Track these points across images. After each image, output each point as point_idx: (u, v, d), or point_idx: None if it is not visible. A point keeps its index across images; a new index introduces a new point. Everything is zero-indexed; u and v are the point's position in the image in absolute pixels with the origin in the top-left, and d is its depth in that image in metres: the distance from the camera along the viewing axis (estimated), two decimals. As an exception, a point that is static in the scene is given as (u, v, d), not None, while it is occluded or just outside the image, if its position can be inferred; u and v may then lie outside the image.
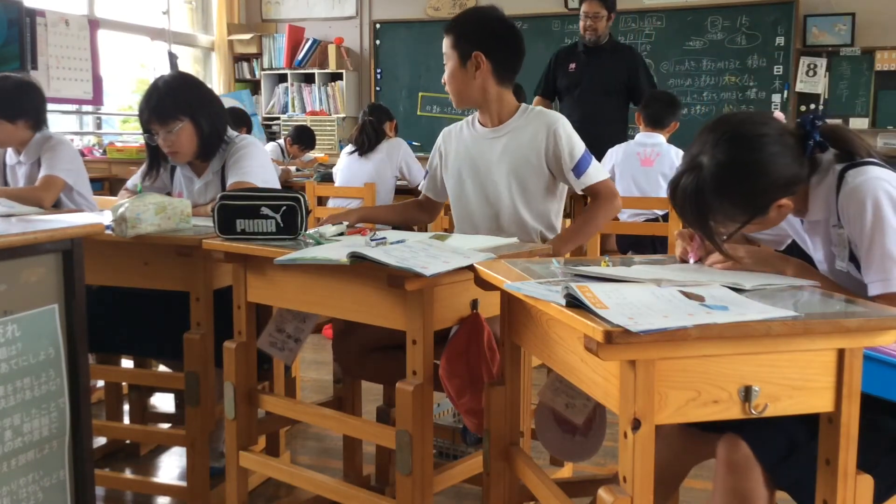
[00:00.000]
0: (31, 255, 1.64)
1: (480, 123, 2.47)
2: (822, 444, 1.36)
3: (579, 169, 2.33)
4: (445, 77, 2.39)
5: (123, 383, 3.05)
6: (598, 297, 1.27)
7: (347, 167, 4.69)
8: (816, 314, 1.30)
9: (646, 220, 4.21)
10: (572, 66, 4.95)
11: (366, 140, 4.61)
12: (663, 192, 4.14)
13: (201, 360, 2.32)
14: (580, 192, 2.38)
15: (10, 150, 3.18)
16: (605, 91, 4.90)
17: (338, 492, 2.06)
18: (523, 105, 2.44)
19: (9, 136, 3.07)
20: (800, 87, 6.78)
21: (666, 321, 1.18)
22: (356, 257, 1.76)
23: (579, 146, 2.36)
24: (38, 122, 3.12)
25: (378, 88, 8.00)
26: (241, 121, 5.11)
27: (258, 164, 2.68)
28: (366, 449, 2.58)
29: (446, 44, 2.37)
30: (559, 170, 2.35)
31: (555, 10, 7.39)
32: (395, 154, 4.65)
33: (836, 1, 6.61)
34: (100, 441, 2.86)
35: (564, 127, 2.36)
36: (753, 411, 1.28)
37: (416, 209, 2.69)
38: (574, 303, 1.27)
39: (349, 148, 4.75)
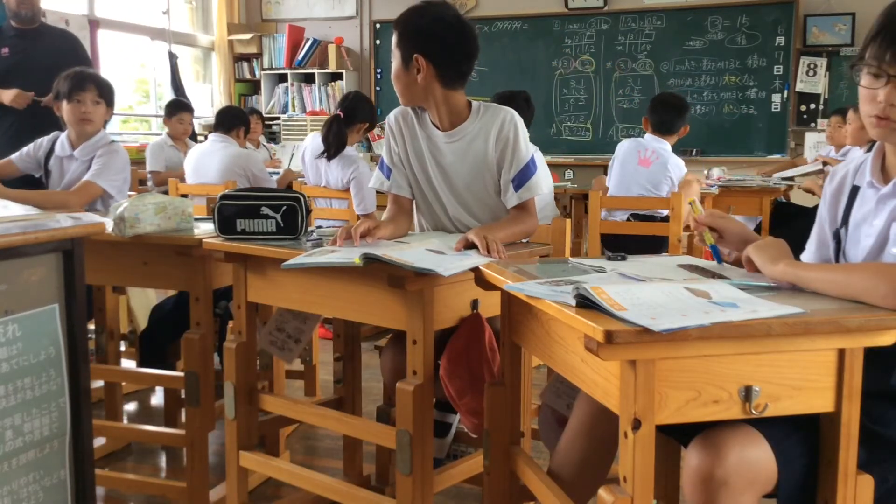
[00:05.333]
0: (32, 255, 1.64)
1: (432, 123, 2.28)
2: (822, 444, 1.36)
3: (520, 180, 2.21)
4: (391, 75, 2.26)
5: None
6: (613, 298, 1.27)
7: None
8: (823, 311, 1.30)
9: (635, 220, 4.22)
10: (5, 50, 4.37)
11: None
12: (647, 195, 4.15)
13: (201, 360, 2.32)
14: (508, 206, 2.23)
15: (63, 141, 3.18)
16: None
17: (338, 492, 2.07)
18: (475, 104, 2.26)
19: (101, 119, 3.18)
20: (800, 87, 6.78)
21: (685, 320, 1.19)
22: (369, 259, 1.76)
23: (525, 153, 2.23)
24: (112, 114, 3.29)
25: (378, 88, 8.00)
26: (239, 120, 4.94)
27: None
28: (366, 449, 2.58)
29: (393, 40, 2.22)
30: (500, 174, 2.24)
31: (555, 10, 7.39)
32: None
33: (836, 1, 6.61)
34: (100, 441, 2.86)
35: (515, 127, 2.22)
36: (754, 411, 1.28)
37: (407, 216, 2.38)
38: (585, 303, 1.27)
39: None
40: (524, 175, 2.21)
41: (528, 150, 2.25)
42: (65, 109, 3.10)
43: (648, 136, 4.25)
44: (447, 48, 2.18)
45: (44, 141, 3.22)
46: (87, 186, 3.04)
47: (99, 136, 3.16)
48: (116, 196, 3.12)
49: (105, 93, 3.16)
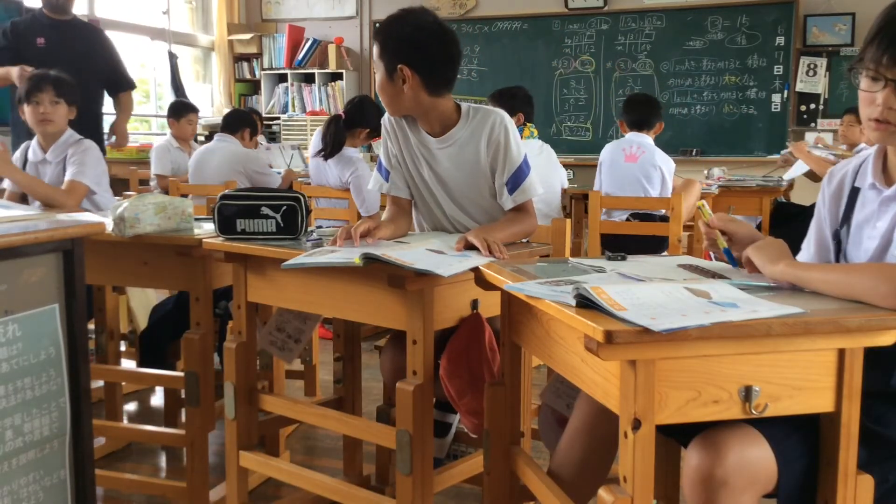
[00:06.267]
0: (32, 255, 1.64)
1: (423, 129, 2.27)
2: (822, 444, 1.36)
3: (513, 182, 2.20)
4: (376, 87, 2.23)
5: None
6: (613, 297, 1.27)
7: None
8: (823, 311, 1.30)
9: (632, 220, 4.24)
10: (40, 40, 4.16)
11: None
12: (641, 191, 4.19)
13: (201, 360, 2.32)
14: (506, 209, 2.23)
15: (34, 147, 3.20)
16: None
17: (338, 492, 2.07)
18: (464, 108, 2.23)
19: (62, 118, 3.18)
20: (800, 87, 6.78)
21: (685, 320, 1.19)
22: (369, 259, 1.76)
23: (517, 155, 2.21)
24: (77, 111, 3.29)
25: (378, 88, 8.00)
26: (244, 122, 4.94)
27: None
28: (366, 449, 2.58)
29: (374, 51, 2.21)
30: (494, 177, 2.24)
31: (555, 10, 7.39)
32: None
33: (836, 1, 6.61)
34: (100, 441, 2.86)
35: (505, 130, 2.19)
36: (754, 411, 1.28)
37: (406, 216, 2.37)
38: (585, 303, 1.27)
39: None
40: (518, 178, 2.20)
41: (521, 151, 2.23)
42: (25, 112, 3.13)
43: (629, 135, 4.30)
44: (431, 56, 2.15)
45: (17, 154, 3.25)
46: (75, 187, 3.08)
47: (66, 136, 3.18)
48: (98, 191, 3.16)
49: (64, 92, 3.17)
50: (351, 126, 4.18)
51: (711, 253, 1.74)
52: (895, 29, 1.41)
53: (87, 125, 4.06)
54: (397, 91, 2.16)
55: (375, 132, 4.28)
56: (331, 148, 4.15)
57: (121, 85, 4.60)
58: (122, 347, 3.31)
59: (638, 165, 4.19)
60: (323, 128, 4.21)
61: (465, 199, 2.27)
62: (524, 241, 2.24)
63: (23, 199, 3.15)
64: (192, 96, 7.03)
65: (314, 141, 4.36)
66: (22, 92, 3.13)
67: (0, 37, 4.19)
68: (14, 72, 3.96)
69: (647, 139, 4.25)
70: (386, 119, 2.31)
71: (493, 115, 2.22)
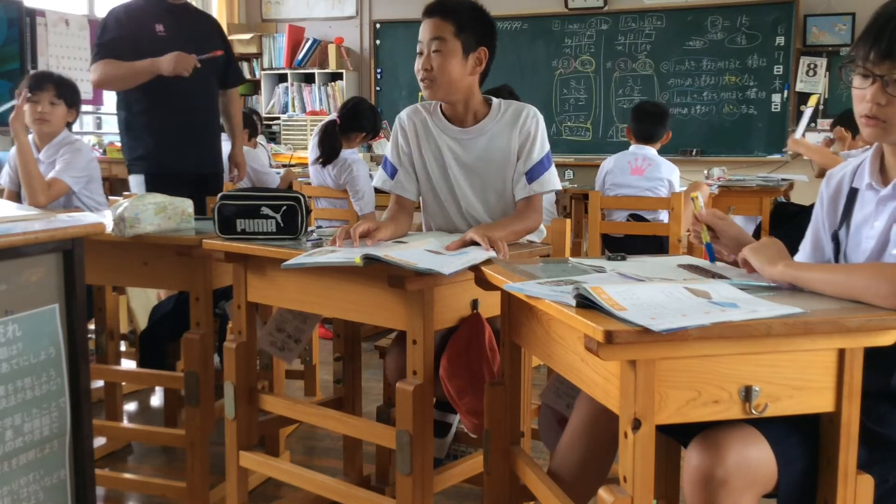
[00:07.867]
0: (32, 255, 1.64)
1: (446, 117, 2.27)
2: (822, 444, 1.36)
3: (534, 172, 2.23)
4: (434, 63, 2.14)
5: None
6: (613, 297, 1.27)
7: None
8: (823, 311, 1.30)
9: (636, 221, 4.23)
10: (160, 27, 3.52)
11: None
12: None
13: (201, 360, 2.32)
14: (518, 198, 2.25)
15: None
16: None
17: (338, 492, 2.07)
18: (495, 102, 2.27)
19: (60, 120, 3.17)
20: (800, 87, 6.77)
21: (685, 320, 1.19)
22: (369, 259, 1.76)
23: (542, 148, 2.25)
24: (77, 114, 3.29)
25: (378, 88, 8.00)
26: (245, 122, 4.92)
27: None
28: (366, 449, 2.58)
29: (445, 28, 2.14)
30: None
31: (555, 10, 7.39)
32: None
33: (836, 1, 6.61)
34: (100, 441, 2.86)
35: (536, 123, 2.24)
36: (754, 411, 1.28)
37: (407, 216, 2.34)
38: (585, 303, 1.27)
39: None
40: (539, 168, 2.24)
41: (545, 146, 2.27)
42: (24, 110, 3.12)
43: (633, 147, 4.28)
44: (495, 47, 2.25)
45: (12, 150, 3.24)
46: (54, 184, 3.07)
47: (61, 137, 3.18)
48: (83, 191, 3.16)
49: (65, 93, 3.16)
50: (346, 131, 4.18)
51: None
52: (881, 26, 1.42)
53: (213, 143, 3.70)
54: (464, 73, 2.19)
55: (372, 135, 4.28)
56: (327, 155, 4.15)
57: (234, 77, 3.89)
58: (122, 347, 3.31)
59: (644, 178, 4.18)
60: (318, 134, 4.21)
61: (488, 189, 2.28)
62: (527, 240, 2.24)
63: (20, 198, 3.15)
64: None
65: (311, 147, 4.36)
66: (23, 88, 3.11)
67: (113, 25, 3.45)
68: (165, 64, 3.32)
69: (651, 151, 4.22)
70: (404, 115, 2.31)
71: (526, 108, 2.27)
